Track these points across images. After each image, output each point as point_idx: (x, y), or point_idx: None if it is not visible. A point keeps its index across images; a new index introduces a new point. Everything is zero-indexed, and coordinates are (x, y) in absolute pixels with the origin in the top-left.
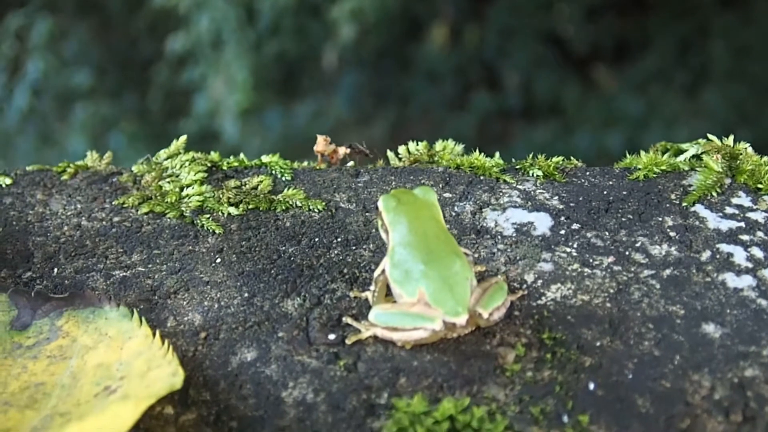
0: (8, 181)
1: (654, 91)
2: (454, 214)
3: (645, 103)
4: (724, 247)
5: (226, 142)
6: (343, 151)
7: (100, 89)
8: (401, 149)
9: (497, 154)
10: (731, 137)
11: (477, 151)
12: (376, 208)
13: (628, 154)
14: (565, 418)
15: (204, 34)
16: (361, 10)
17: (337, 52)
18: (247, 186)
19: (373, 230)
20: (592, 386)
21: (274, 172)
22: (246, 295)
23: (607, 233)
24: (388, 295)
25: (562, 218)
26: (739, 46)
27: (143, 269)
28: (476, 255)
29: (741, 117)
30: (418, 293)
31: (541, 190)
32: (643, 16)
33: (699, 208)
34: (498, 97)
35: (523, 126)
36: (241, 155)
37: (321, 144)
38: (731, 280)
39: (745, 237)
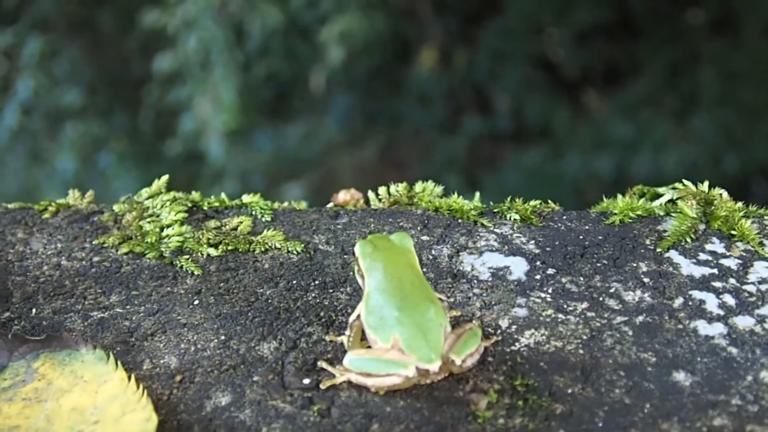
0: None
1: (643, 115)
2: (431, 257)
3: (634, 127)
4: (697, 294)
5: (212, 162)
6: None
7: (90, 108)
8: (381, 190)
9: (477, 195)
10: (706, 183)
11: (455, 193)
12: (353, 253)
13: (605, 198)
14: None
15: (192, 54)
16: (350, 32)
17: (326, 74)
18: (227, 227)
19: (351, 273)
20: None
21: (254, 212)
22: (222, 337)
23: (581, 279)
24: (363, 339)
25: (538, 263)
26: (728, 72)
27: (121, 310)
28: (452, 299)
29: (730, 142)
30: (392, 339)
31: (517, 234)
32: (633, 41)
33: (673, 254)
34: (488, 120)
35: (514, 149)
36: (222, 195)
37: (351, 194)
38: (702, 327)
39: (717, 284)
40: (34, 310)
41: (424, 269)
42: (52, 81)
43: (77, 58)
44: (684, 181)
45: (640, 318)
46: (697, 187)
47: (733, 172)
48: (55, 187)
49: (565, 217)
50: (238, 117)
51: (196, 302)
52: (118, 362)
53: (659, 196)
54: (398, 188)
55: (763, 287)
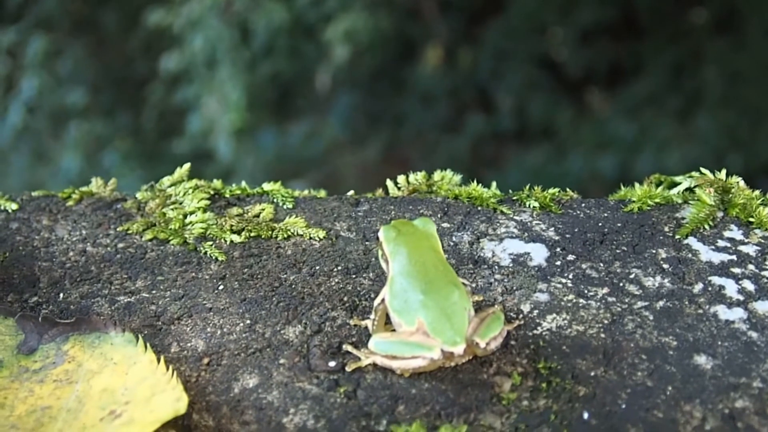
0: (14, 206)
1: (647, 115)
2: (452, 244)
3: (637, 127)
4: (716, 280)
5: (220, 161)
6: None
7: (94, 107)
8: (400, 179)
9: (494, 183)
10: (723, 171)
11: (475, 181)
12: (377, 238)
13: (622, 186)
14: None
15: (198, 53)
16: (355, 31)
17: (331, 73)
18: (250, 214)
19: (373, 259)
20: (586, 416)
21: (275, 200)
22: (248, 321)
23: (601, 264)
24: (387, 323)
25: (558, 249)
26: (732, 72)
27: (147, 295)
28: (474, 285)
29: (733, 142)
30: (417, 322)
31: (537, 221)
32: (636, 41)
33: (692, 241)
34: (491, 120)
35: (517, 148)
36: (243, 183)
37: None
38: (723, 312)
39: (736, 270)
40: (61, 295)
41: (446, 255)
42: (56, 80)
43: (81, 57)
44: (701, 169)
45: (661, 303)
46: (714, 175)
47: (736, 172)
48: (59, 186)
49: (584, 205)
50: (244, 116)
51: (221, 287)
52: (147, 344)
53: (676, 184)
54: (417, 177)
55: None
